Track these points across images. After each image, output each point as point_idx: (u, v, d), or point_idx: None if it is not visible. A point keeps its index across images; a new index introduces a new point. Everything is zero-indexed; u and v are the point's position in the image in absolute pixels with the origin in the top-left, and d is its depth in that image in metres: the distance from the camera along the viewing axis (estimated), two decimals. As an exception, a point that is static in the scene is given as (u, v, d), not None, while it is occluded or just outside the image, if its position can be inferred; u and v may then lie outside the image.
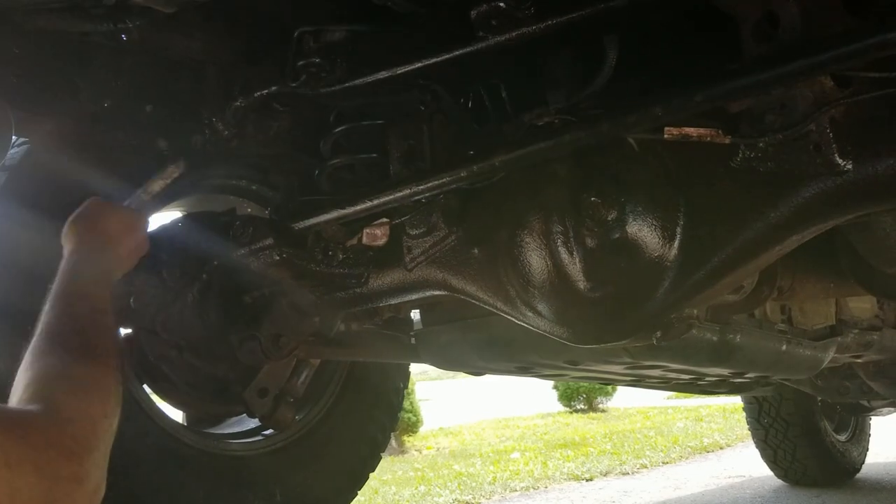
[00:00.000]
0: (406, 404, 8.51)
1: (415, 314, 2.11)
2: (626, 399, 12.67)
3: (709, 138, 1.22)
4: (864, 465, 4.77)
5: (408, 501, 5.13)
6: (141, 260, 1.36)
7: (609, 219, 1.37)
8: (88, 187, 1.47)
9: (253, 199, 1.99)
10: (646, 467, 6.05)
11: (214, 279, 1.77)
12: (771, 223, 1.22)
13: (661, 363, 1.87)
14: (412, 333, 2.06)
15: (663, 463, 6.27)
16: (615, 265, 1.38)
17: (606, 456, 6.65)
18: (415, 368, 2.68)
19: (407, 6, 1.37)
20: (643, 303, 1.36)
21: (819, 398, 4.07)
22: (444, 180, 1.42)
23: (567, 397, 12.61)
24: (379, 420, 2.27)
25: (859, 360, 2.90)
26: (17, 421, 0.83)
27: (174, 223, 1.82)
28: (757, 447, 4.57)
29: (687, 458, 6.53)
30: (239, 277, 1.74)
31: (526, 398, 14.63)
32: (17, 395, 0.91)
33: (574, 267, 1.43)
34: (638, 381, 2.48)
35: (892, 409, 4.24)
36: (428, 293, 1.65)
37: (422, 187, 1.44)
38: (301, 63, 1.45)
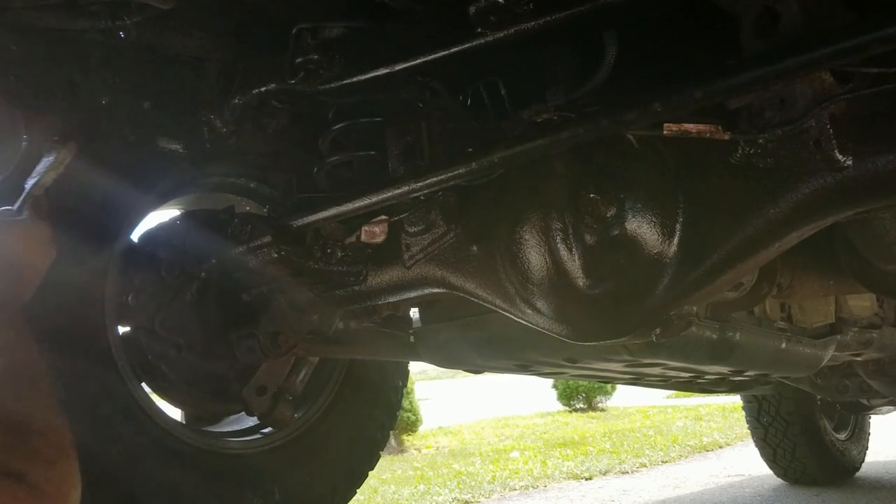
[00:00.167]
0: (405, 403, 8.53)
1: (414, 312, 2.11)
2: (626, 398, 12.68)
3: (708, 134, 1.21)
4: (863, 464, 4.77)
5: (407, 500, 5.13)
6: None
7: (608, 215, 1.37)
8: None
9: (251, 196, 1.98)
10: (645, 466, 6.05)
11: (213, 277, 1.77)
12: (770, 219, 1.21)
13: (661, 361, 1.87)
14: (411, 331, 2.06)
15: (663, 462, 6.28)
16: (614, 262, 1.38)
17: (606, 455, 6.65)
18: (414, 368, 2.68)
19: (405, 2, 1.37)
20: (643, 299, 1.36)
21: (818, 397, 4.07)
22: (443, 177, 1.41)
23: (566, 396, 12.62)
24: (378, 418, 2.26)
25: (859, 359, 2.89)
26: (2, 491, 0.82)
27: (172, 221, 1.81)
28: (756, 446, 4.57)
29: (686, 457, 6.53)
30: (237, 275, 1.74)
31: (525, 397, 14.65)
32: None
33: (573, 264, 1.42)
34: (637, 380, 2.48)
35: (892, 407, 4.25)
36: (427, 291, 1.64)
37: (420, 184, 1.44)
38: (299, 60, 1.45)
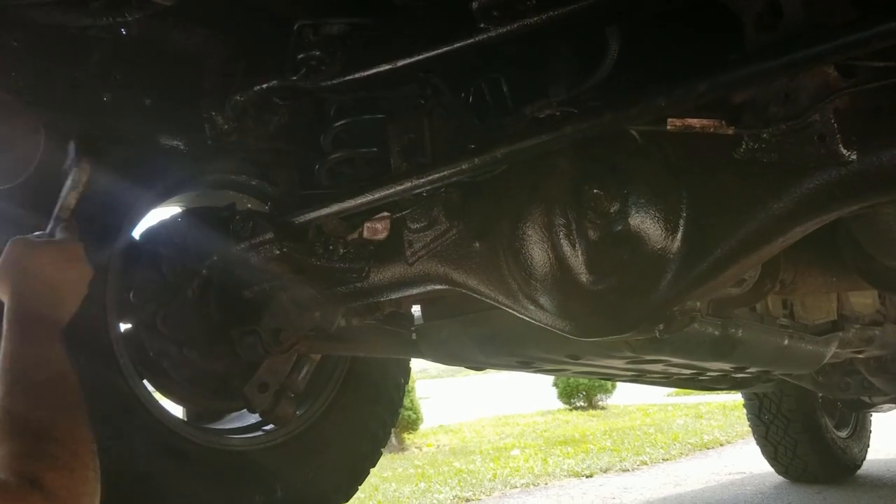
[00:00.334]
0: (406, 402, 8.51)
1: (416, 310, 2.10)
2: (626, 396, 12.67)
3: (712, 129, 1.21)
4: (864, 462, 4.77)
5: (408, 498, 5.13)
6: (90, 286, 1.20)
7: (611, 211, 1.37)
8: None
9: (253, 194, 1.98)
10: (646, 464, 6.05)
11: (214, 274, 1.77)
12: (774, 214, 1.21)
13: (663, 357, 1.87)
14: (413, 328, 2.05)
15: (663, 460, 6.28)
16: (618, 257, 1.38)
17: (606, 453, 6.65)
18: (414, 367, 2.68)
19: (407, -2, 1.36)
20: (646, 295, 1.35)
21: (820, 394, 4.06)
22: (445, 174, 1.41)
23: (567, 395, 12.61)
24: (379, 415, 2.26)
25: (860, 356, 2.89)
26: (16, 495, 0.83)
27: (173, 218, 1.81)
28: (757, 444, 4.57)
29: (687, 455, 6.53)
30: (239, 272, 1.73)
31: (526, 396, 14.65)
32: None
33: (576, 259, 1.42)
34: (639, 377, 2.48)
35: (893, 405, 4.24)
36: (429, 287, 1.64)
37: (423, 181, 1.43)
38: (301, 56, 1.45)
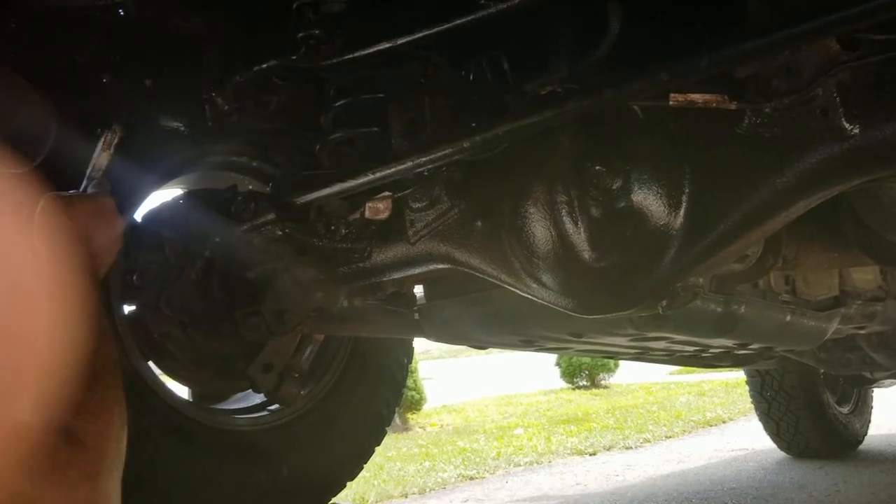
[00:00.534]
0: (409, 382, 8.56)
1: (418, 289, 2.10)
2: (629, 375, 12.72)
3: (714, 104, 1.20)
4: (866, 437, 4.79)
5: (413, 477, 5.16)
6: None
7: (614, 188, 1.36)
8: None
9: (254, 175, 1.98)
10: (649, 441, 6.08)
11: (217, 256, 1.77)
12: (777, 189, 1.21)
13: (666, 334, 1.87)
14: (415, 308, 2.06)
15: (666, 437, 6.30)
16: (620, 234, 1.38)
17: (609, 431, 6.69)
18: (417, 347, 2.69)
19: (406, -25, 1.35)
20: (649, 271, 1.35)
21: (822, 370, 4.07)
22: (447, 152, 1.40)
23: (569, 374, 12.66)
24: (383, 395, 2.27)
25: (862, 332, 2.89)
26: (43, 441, 0.83)
27: (176, 200, 1.81)
28: (760, 420, 4.59)
29: (690, 433, 6.56)
30: (241, 254, 1.74)
31: (529, 375, 14.70)
32: None
33: (579, 237, 1.42)
34: (642, 354, 2.48)
35: (895, 380, 4.25)
36: (431, 267, 1.64)
37: (424, 159, 1.43)
38: (300, 35, 1.44)
